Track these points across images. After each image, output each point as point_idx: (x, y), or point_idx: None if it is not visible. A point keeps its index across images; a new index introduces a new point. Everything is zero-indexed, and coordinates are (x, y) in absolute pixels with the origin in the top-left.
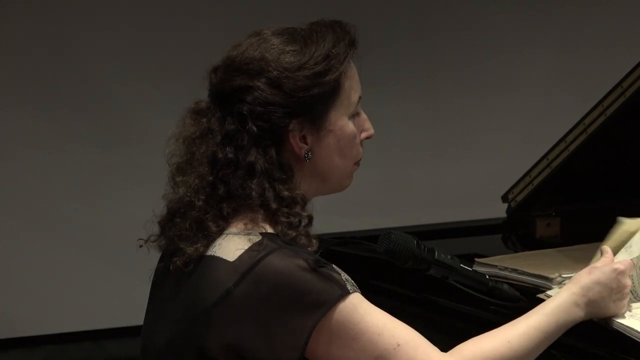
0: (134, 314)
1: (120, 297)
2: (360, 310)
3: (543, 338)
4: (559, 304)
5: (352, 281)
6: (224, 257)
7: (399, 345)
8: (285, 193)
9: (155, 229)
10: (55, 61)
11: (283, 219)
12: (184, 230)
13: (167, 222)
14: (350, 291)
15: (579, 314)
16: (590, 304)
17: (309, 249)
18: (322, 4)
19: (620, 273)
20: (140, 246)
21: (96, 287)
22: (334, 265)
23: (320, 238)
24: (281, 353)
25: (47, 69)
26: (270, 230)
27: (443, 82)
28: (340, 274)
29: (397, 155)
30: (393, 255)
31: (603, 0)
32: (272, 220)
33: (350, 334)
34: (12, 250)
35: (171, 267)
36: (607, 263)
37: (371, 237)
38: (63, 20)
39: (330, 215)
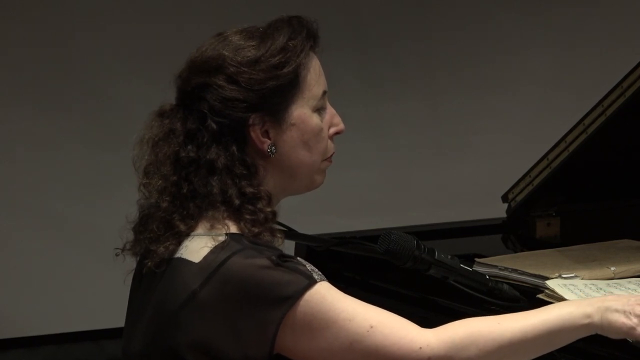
0: None
1: (121, 297)
2: (329, 298)
3: (542, 330)
4: (568, 304)
5: (318, 271)
6: (190, 259)
7: (372, 327)
8: (249, 189)
9: (130, 236)
10: (55, 61)
11: (247, 216)
12: (152, 232)
13: (139, 227)
14: (317, 280)
15: (587, 315)
16: (603, 308)
17: (275, 244)
18: (322, 4)
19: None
20: (117, 255)
21: (96, 287)
22: (299, 258)
23: (320, 238)
24: (250, 349)
25: (47, 68)
26: (234, 228)
27: (443, 82)
28: (305, 265)
29: (397, 155)
30: (393, 256)
31: (603, 0)
32: (236, 217)
33: (321, 324)
34: (12, 250)
35: (144, 271)
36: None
37: (371, 237)
38: (63, 20)
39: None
